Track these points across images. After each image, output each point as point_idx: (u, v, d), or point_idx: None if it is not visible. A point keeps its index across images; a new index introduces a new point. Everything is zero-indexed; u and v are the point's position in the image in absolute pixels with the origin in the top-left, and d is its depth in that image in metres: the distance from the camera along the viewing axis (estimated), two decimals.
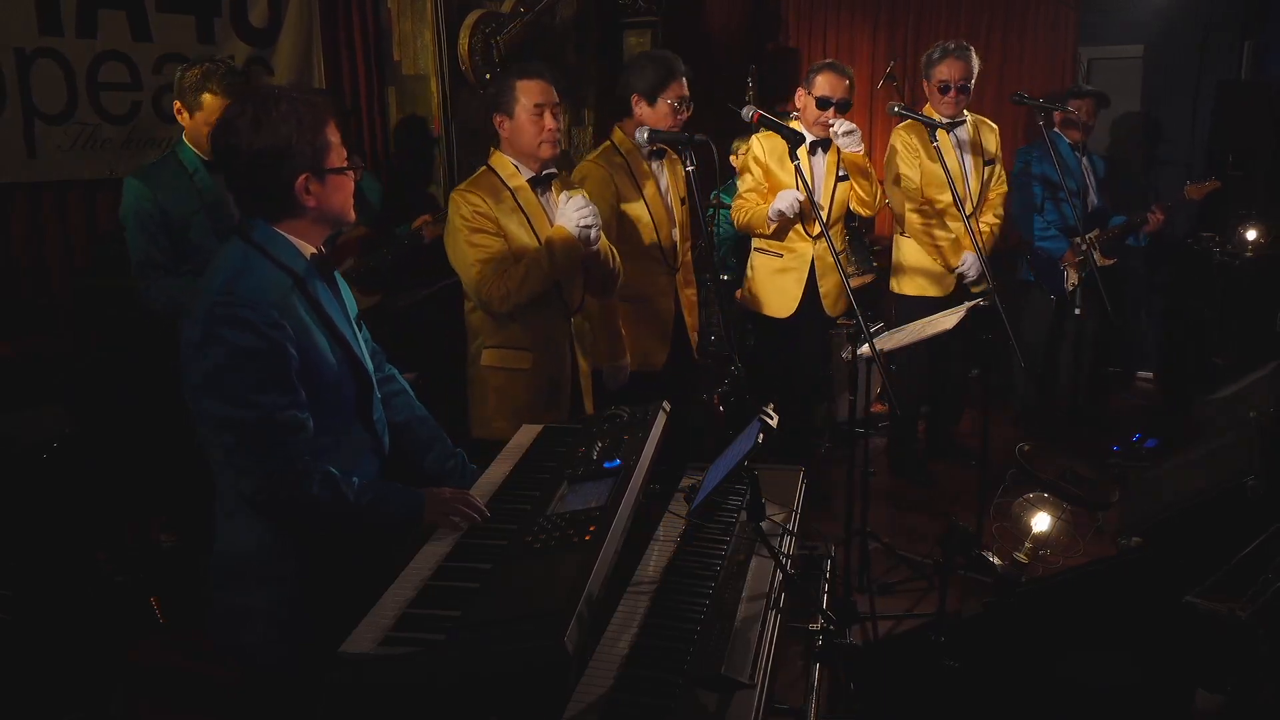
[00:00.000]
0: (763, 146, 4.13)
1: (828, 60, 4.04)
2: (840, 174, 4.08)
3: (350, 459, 1.96)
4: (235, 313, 1.76)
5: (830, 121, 3.89)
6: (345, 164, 1.93)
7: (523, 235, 2.89)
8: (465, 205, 2.85)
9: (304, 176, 1.85)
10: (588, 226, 2.83)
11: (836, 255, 3.34)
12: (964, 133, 4.31)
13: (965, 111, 4.31)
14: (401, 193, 4.55)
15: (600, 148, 3.55)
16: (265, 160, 1.82)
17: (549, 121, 2.90)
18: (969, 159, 4.33)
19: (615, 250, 3.10)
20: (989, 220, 4.40)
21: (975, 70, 4.22)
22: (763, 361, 4.29)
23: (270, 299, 1.81)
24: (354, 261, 3.74)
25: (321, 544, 1.94)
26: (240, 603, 1.94)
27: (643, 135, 3.00)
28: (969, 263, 4.30)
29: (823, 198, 4.06)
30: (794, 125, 3.99)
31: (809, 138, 3.98)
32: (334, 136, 1.89)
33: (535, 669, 1.46)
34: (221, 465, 1.88)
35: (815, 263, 4.10)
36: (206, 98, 3.14)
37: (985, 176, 4.36)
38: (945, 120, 4.23)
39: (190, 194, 3.18)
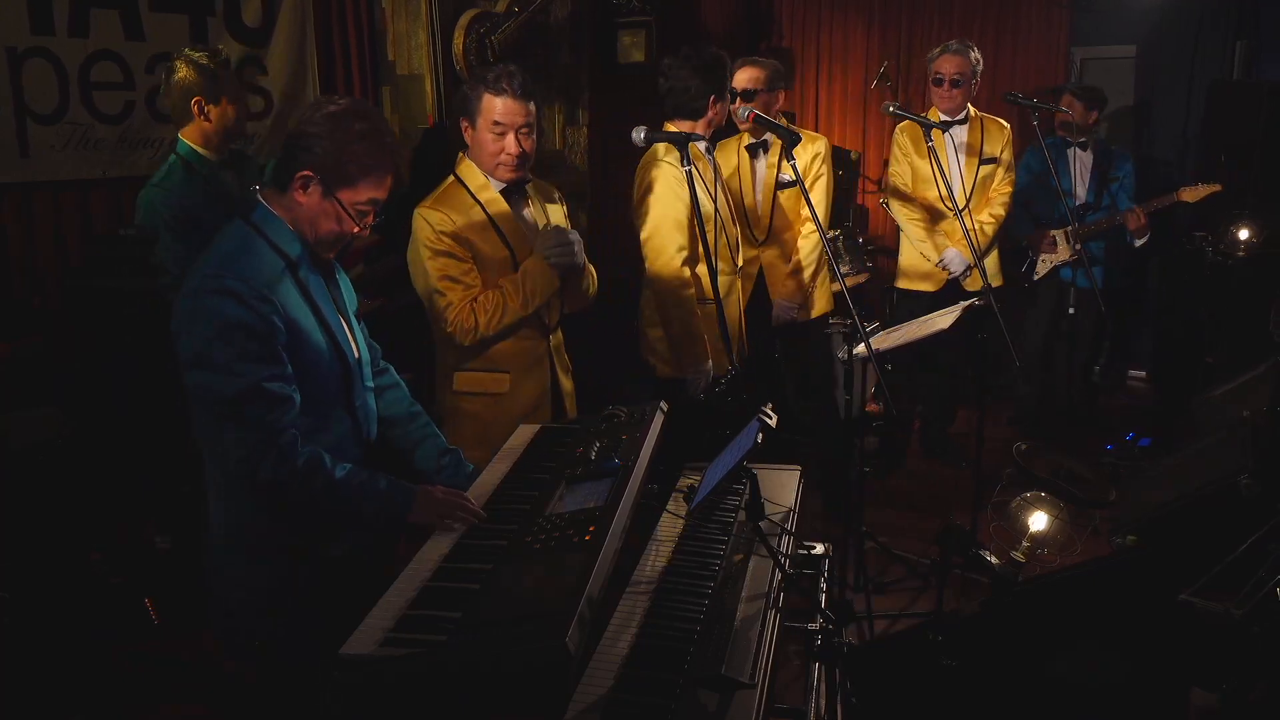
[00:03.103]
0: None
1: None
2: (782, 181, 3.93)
3: (333, 443, 1.99)
4: (224, 285, 1.82)
5: None
6: (361, 212, 1.97)
7: (496, 255, 2.66)
8: (428, 225, 2.59)
9: (307, 172, 1.91)
10: (562, 262, 2.63)
11: (834, 261, 3.20)
12: (962, 133, 4.34)
13: (972, 110, 4.38)
14: (397, 193, 4.53)
15: (665, 145, 3.22)
16: (295, 138, 1.94)
17: (510, 145, 2.59)
18: (963, 158, 4.36)
19: (594, 271, 2.88)
20: (982, 218, 4.42)
21: (974, 66, 4.30)
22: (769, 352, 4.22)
23: (261, 276, 1.87)
24: (362, 268, 3.73)
25: (310, 524, 1.98)
26: (231, 575, 2.01)
27: (639, 135, 2.81)
28: (949, 258, 4.38)
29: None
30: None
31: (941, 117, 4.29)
32: (371, 187, 1.97)
33: (537, 669, 1.46)
34: (210, 439, 1.93)
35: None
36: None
37: (981, 175, 4.37)
38: (943, 117, 4.33)
39: (211, 197, 3.08)
